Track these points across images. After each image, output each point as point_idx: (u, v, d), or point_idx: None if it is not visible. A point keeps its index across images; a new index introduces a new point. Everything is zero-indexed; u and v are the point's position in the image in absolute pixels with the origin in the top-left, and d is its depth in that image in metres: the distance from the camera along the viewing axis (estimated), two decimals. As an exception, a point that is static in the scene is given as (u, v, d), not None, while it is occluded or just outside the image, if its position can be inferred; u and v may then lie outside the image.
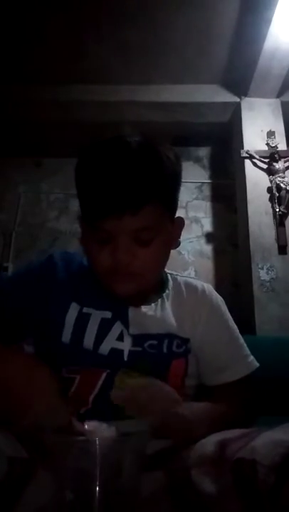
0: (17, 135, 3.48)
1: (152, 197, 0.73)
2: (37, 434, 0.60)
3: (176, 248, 0.85)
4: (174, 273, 0.97)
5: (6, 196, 3.63)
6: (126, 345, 0.79)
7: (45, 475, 0.53)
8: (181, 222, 0.86)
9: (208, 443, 0.58)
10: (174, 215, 0.83)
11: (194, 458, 0.57)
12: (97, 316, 0.81)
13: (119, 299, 0.82)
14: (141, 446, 0.50)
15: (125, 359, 0.78)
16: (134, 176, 0.71)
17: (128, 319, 0.82)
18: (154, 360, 0.79)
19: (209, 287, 0.95)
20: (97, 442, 0.46)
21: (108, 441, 0.46)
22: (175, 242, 0.85)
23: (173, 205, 0.81)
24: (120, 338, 0.80)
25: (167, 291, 0.90)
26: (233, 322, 0.92)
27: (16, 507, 0.51)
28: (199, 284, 0.94)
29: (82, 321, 0.80)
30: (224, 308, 0.93)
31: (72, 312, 0.82)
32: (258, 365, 0.88)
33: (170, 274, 0.95)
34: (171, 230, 0.81)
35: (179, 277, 0.95)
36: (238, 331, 0.92)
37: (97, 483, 0.45)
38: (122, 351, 0.78)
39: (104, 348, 0.78)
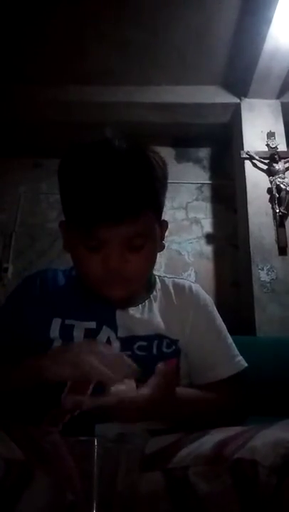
0: (17, 135, 3.48)
1: (149, 204, 0.74)
2: (34, 436, 0.59)
3: (161, 251, 0.86)
4: (162, 275, 0.97)
5: (6, 197, 3.63)
6: (115, 350, 0.79)
7: (42, 477, 0.53)
8: (166, 225, 0.87)
9: (206, 442, 0.58)
10: (160, 218, 0.84)
11: (192, 457, 0.56)
12: (80, 327, 0.81)
13: (104, 305, 0.83)
14: (139, 446, 0.50)
15: None
16: (130, 183, 0.71)
17: (116, 323, 0.83)
18: (144, 362, 0.77)
19: (197, 287, 0.95)
20: (96, 443, 0.45)
21: (106, 442, 0.46)
22: (161, 245, 0.86)
23: (161, 209, 0.83)
24: (108, 343, 0.80)
25: (154, 293, 0.91)
26: (221, 321, 0.93)
27: (15, 510, 0.50)
28: (187, 283, 0.95)
29: (66, 331, 0.81)
30: (212, 307, 0.93)
31: (55, 326, 0.82)
32: (245, 365, 0.88)
33: (158, 276, 0.96)
34: (158, 234, 0.83)
35: (166, 279, 0.96)
36: (226, 330, 0.92)
37: (97, 483, 0.45)
38: None
39: None
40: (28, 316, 0.85)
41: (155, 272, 0.96)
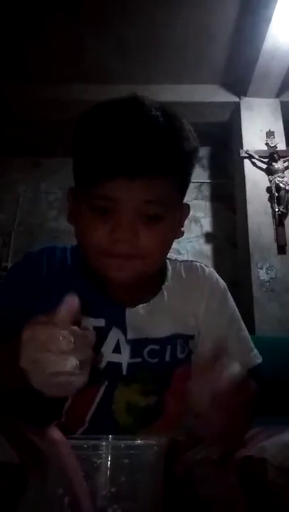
0: (16, 135, 3.48)
1: (170, 169, 0.63)
2: (34, 440, 0.57)
3: (180, 238, 0.75)
4: (174, 257, 0.85)
5: (6, 196, 3.63)
6: (124, 358, 0.71)
7: (38, 481, 0.50)
8: (188, 208, 0.76)
9: (212, 447, 0.58)
10: (183, 199, 0.73)
11: (197, 459, 0.56)
12: (88, 324, 0.69)
13: (113, 300, 0.74)
14: (153, 457, 0.48)
15: (124, 373, 0.71)
16: (155, 137, 0.61)
17: (125, 323, 0.73)
18: (155, 369, 0.72)
19: (210, 270, 0.85)
20: (104, 449, 0.45)
21: (112, 449, 0.46)
22: (180, 230, 0.74)
23: (185, 187, 0.72)
24: (117, 348, 0.72)
25: (166, 283, 0.80)
26: (235, 310, 0.84)
27: None
28: (199, 266, 0.84)
29: None
30: (226, 294, 0.84)
31: None
32: (260, 360, 0.80)
33: (169, 260, 0.84)
34: (178, 215, 0.72)
35: (178, 263, 0.84)
36: (241, 321, 0.84)
37: (100, 485, 0.44)
38: (119, 364, 0.71)
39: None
40: (30, 304, 0.72)
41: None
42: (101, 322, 0.72)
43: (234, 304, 0.84)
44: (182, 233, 0.75)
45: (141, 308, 0.76)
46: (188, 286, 0.81)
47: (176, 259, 0.85)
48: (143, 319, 0.75)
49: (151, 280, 0.77)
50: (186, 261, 0.85)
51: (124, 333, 0.73)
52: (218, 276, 0.85)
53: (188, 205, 0.76)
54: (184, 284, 0.81)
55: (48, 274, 0.76)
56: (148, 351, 0.73)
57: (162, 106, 0.66)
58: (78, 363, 0.49)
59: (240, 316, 0.84)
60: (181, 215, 0.73)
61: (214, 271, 0.86)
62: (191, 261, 0.86)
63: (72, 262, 0.78)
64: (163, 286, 0.79)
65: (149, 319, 0.75)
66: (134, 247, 0.64)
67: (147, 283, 0.75)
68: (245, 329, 0.84)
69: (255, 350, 0.82)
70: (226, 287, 0.85)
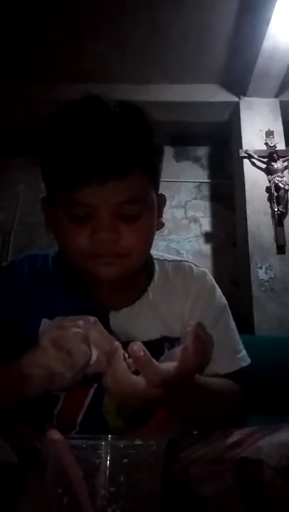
0: (16, 134, 3.47)
1: (139, 163, 0.63)
2: (32, 440, 0.57)
3: (159, 229, 0.74)
4: (162, 257, 0.84)
5: (5, 195, 3.63)
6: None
7: (38, 481, 0.50)
8: (163, 199, 0.75)
9: (209, 445, 0.58)
10: (158, 190, 0.73)
11: (193, 458, 0.56)
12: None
13: (96, 304, 0.73)
14: (152, 457, 0.48)
15: None
16: (119, 136, 0.61)
17: (110, 327, 0.71)
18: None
19: (200, 270, 0.82)
20: (103, 448, 0.45)
21: (112, 449, 0.46)
22: (159, 222, 0.74)
23: (157, 178, 0.71)
24: None
25: (153, 284, 0.78)
26: (224, 311, 0.81)
27: None
28: (188, 266, 0.82)
29: None
30: (214, 293, 0.81)
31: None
32: (248, 362, 0.78)
33: (157, 259, 0.82)
34: (156, 208, 0.71)
35: (166, 262, 0.82)
36: (231, 322, 0.81)
37: (100, 484, 0.44)
38: None
39: None
40: (13, 312, 0.73)
41: (153, 253, 0.83)
42: None
43: (224, 304, 0.82)
44: (162, 224, 0.75)
45: (126, 311, 0.75)
46: (175, 287, 0.79)
47: (165, 259, 0.83)
48: (128, 322, 0.73)
49: (136, 281, 0.76)
50: (175, 260, 0.84)
51: None
52: (208, 275, 0.83)
53: (164, 195, 0.75)
54: (170, 285, 0.79)
55: (29, 282, 0.75)
56: None
57: (121, 102, 0.66)
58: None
59: (230, 317, 0.81)
60: (158, 206, 0.73)
61: (205, 270, 0.84)
62: (180, 260, 0.84)
63: (54, 268, 0.78)
64: (148, 288, 0.77)
65: (134, 322, 0.74)
66: (117, 246, 0.64)
67: (132, 284, 0.75)
68: (235, 330, 0.81)
69: (243, 352, 0.79)
70: (216, 286, 0.82)
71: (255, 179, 3.04)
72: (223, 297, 0.82)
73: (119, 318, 0.73)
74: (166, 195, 0.77)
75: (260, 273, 2.83)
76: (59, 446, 0.45)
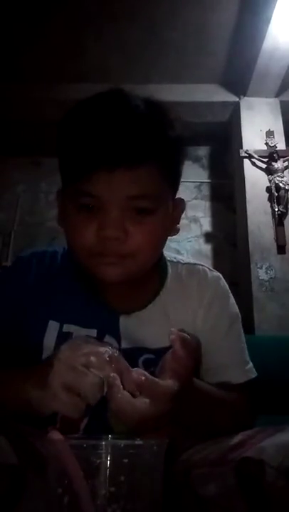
0: (16, 134, 3.48)
1: (151, 156, 0.60)
2: (33, 440, 0.56)
3: (174, 235, 0.71)
4: (176, 259, 0.80)
5: (5, 196, 3.63)
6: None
7: (38, 482, 0.50)
8: (182, 204, 0.72)
9: (211, 446, 0.57)
10: (176, 193, 0.69)
11: (195, 460, 0.56)
12: (79, 335, 0.68)
13: (107, 307, 0.71)
14: (152, 457, 0.48)
15: None
16: (133, 126, 0.59)
17: (119, 332, 0.70)
18: None
19: (214, 274, 0.79)
20: (103, 448, 0.45)
21: (112, 449, 0.46)
22: (174, 227, 0.70)
23: (175, 179, 0.68)
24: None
25: (166, 286, 0.75)
26: (237, 320, 0.79)
27: None
28: (202, 270, 0.78)
29: (64, 340, 0.64)
30: (228, 300, 0.78)
31: (51, 333, 0.69)
32: (255, 375, 0.77)
33: (170, 261, 0.79)
34: (171, 210, 0.68)
35: (180, 265, 0.79)
36: (242, 332, 0.79)
37: (101, 484, 0.44)
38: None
39: None
40: (19, 312, 0.71)
41: (166, 254, 0.79)
42: (93, 333, 0.69)
43: (236, 312, 0.79)
44: (177, 230, 0.71)
45: (136, 315, 0.72)
46: (188, 292, 0.76)
47: (178, 262, 0.79)
48: (138, 328, 0.71)
49: (147, 284, 0.73)
50: (189, 263, 0.80)
51: (118, 341, 0.70)
52: (222, 280, 0.80)
53: (183, 200, 0.72)
54: (183, 290, 0.76)
55: (37, 280, 0.74)
56: (143, 360, 0.69)
57: (146, 98, 0.65)
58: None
59: (240, 325, 0.79)
60: (175, 210, 0.69)
61: (219, 275, 0.80)
62: (194, 263, 0.81)
63: (63, 265, 0.76)
64: (161, 292, 0.75)
65: (144, 328, 0.71)
66: (123, 245, 0.61)
67: (143, 287, 0.72)
68: (243, 341, 0.79)
69: (250, 365, 0.77)
70: (229, 293, 0.79)
71: (255, 179, 3.04)
72: (236, 306, 0.80)
73: (129, 324, 0.71)
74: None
75: (260, 273, 2.83)
76: (59, 446, 0.45)
